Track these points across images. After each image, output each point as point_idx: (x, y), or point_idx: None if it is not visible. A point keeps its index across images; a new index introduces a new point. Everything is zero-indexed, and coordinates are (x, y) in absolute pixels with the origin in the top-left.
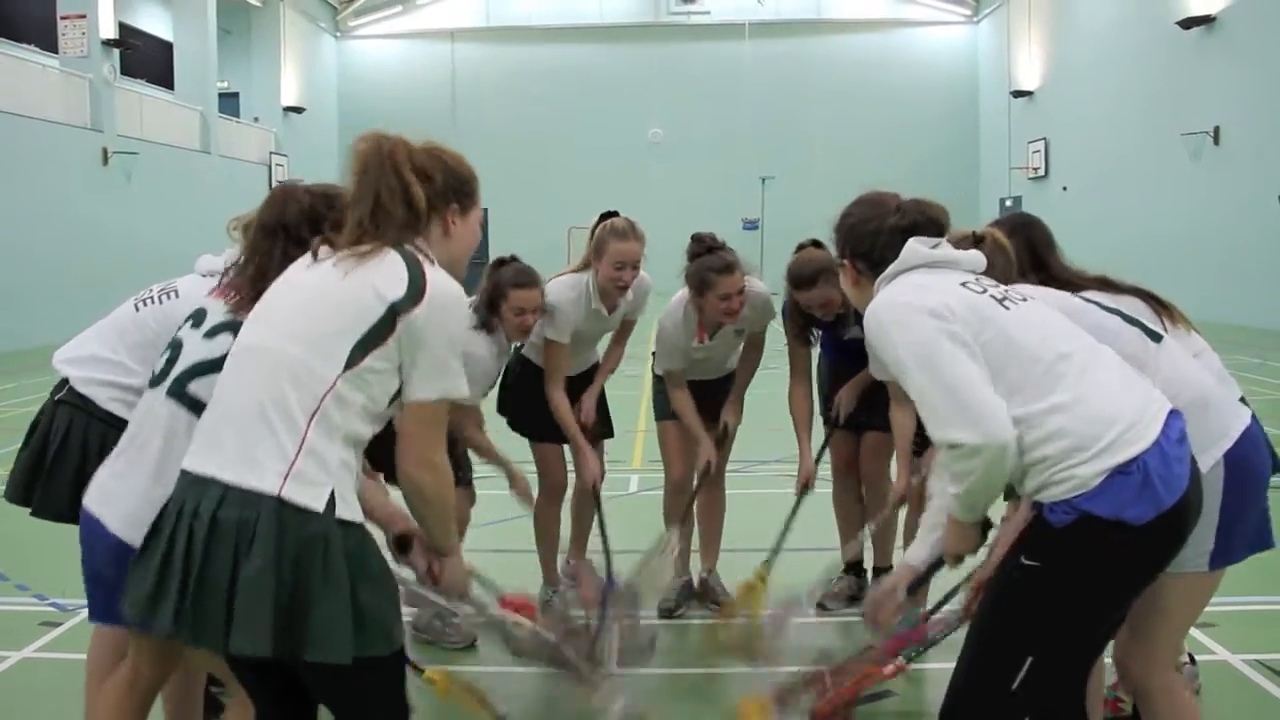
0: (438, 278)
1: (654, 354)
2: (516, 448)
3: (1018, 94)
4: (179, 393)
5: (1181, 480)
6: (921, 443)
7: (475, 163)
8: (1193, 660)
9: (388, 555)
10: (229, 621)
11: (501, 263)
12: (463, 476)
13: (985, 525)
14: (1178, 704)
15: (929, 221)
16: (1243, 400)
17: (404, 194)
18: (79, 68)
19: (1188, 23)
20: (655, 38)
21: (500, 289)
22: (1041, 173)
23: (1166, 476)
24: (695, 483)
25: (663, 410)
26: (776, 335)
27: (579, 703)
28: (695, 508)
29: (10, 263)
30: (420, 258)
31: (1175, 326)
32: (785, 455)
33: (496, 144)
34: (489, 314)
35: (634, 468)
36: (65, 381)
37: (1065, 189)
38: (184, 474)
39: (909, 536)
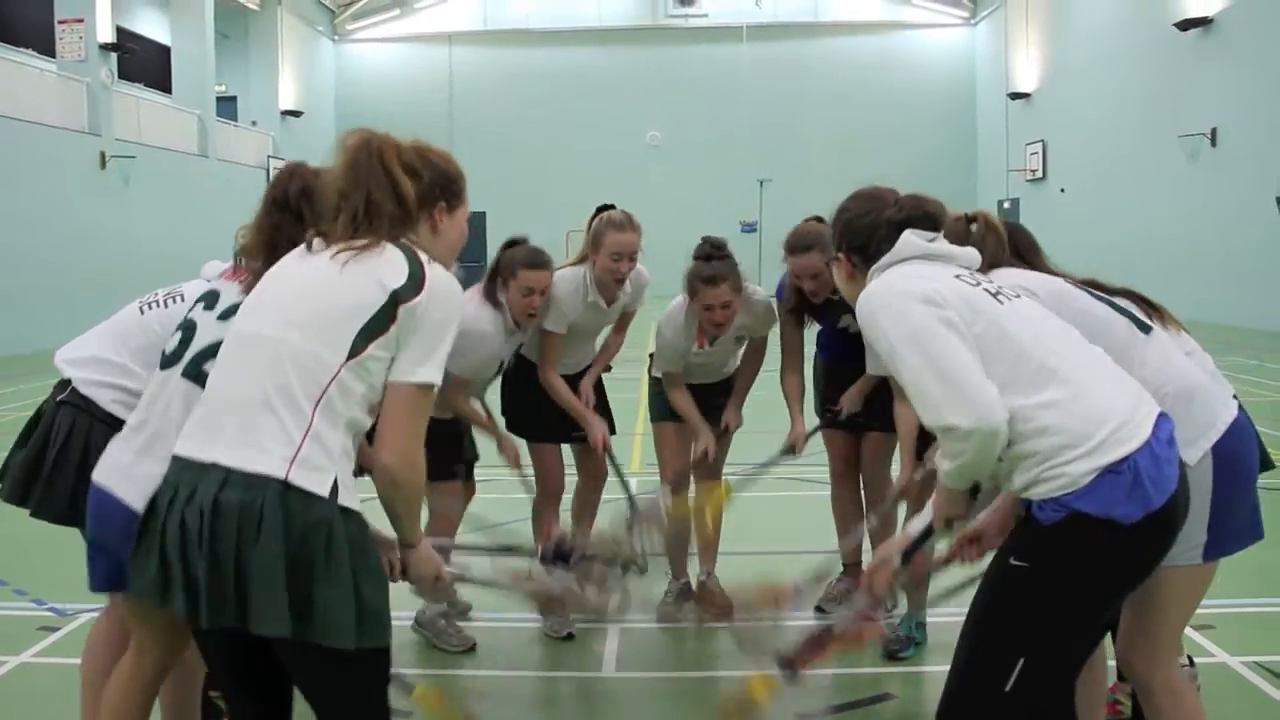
0: (437, 270)
1: (651, 355)
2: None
3: (1015, 96)
4: (195, 374)
5: (1171, 481)
6: (923, 442)
7: (473, 166)
8: (1191, 662)
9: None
10: (242, 603)
11: (513, 243)
12: (459, 470)
13: (974, 489)
14: (1181, 701)
15: (925, 216)
16: (1234, 397)
17: (393, 189)
18: (77, 72)
19: (1185, 24)
20: (653, 40)
21: (510, 268)
22: (1039, 174)
23: (1156, 477)
24: (693, 478)
25: (659, 412)
26: (778, 340)
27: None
28: (693, 510)
29: (8, 266)
30: (418, 251)
31: (1166, 327)
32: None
33: (494, 147)
34: (495, 290)
35: (632, 470)
36: (67, 382)
37: (1063, 191)
38: (177, 459)
39: None
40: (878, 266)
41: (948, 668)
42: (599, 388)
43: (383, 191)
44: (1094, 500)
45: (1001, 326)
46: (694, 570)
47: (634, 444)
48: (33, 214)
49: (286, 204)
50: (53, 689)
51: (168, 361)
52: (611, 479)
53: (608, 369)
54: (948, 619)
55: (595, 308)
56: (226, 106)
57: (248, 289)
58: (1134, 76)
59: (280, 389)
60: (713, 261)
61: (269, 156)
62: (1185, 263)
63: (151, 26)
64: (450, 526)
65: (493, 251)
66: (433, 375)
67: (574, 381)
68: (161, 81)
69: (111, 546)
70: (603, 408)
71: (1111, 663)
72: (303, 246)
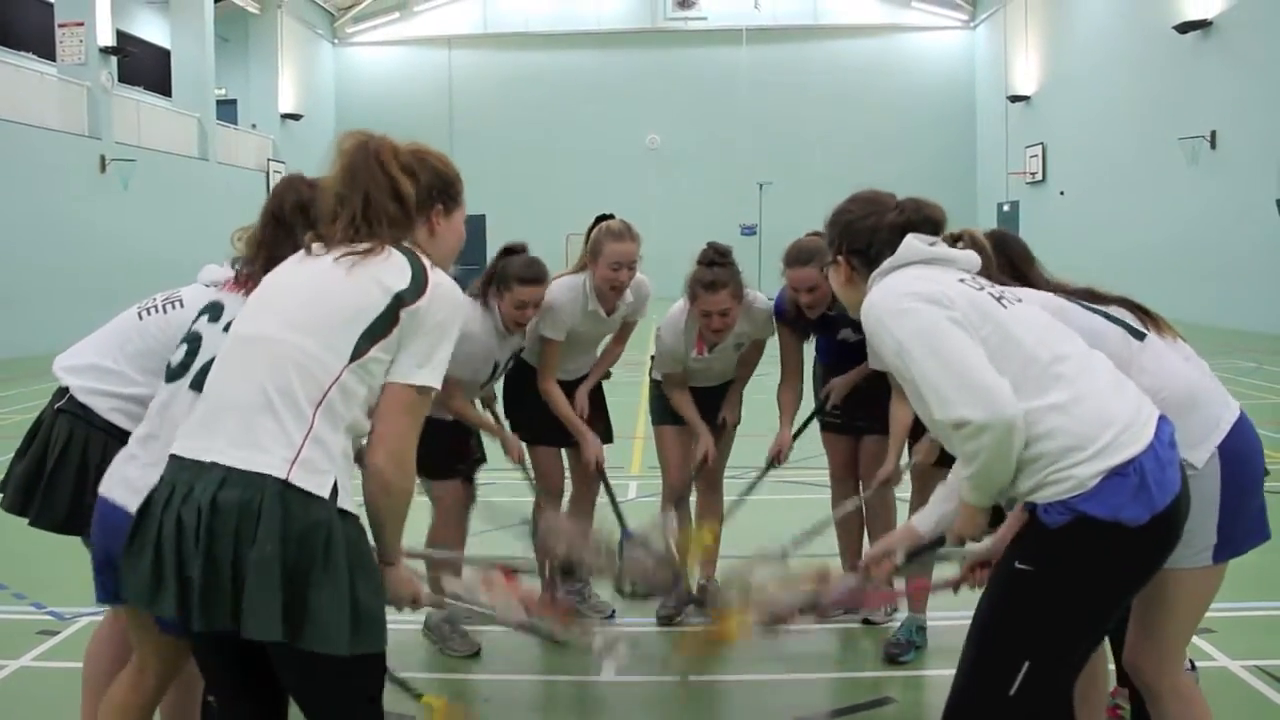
0: (439, 275)
1: (652, 358)
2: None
3: (1015, 99)
4: (203, 384)
5: (1174, 483)
6: (916, 438)
7: (472, 168)
8: (1193, 666)
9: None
10: (237, 604)
11: (511, 250)
12: (461, 470)
13: (996, 515)
14: (1191, 708)
15: (926, 220)
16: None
17: (392, 190)
18: (77, 75)
19: (1184, 27)
20: (652, 43)
21: (506, 279)
22: (1039, 177)
23: (1161, 479)
24: (693, 475)
25: (660, 415)
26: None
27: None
28: (694, 514)
29: (8, 270)
30: (420, 255)
31: (1162, 334)
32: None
33: (494, 150)
34: (487, 294)
35: (633, 474)
36: (65, 389)
37: (1062, 193)
38: (174, 459)
39: None
40: (879, 271)
41: (949, 672)
42: (598, 395)
43: (382, 192)
44: (1101, 503)
45: (1007, 330)
46: (692, 577)
47: (635, 448)
48: (32, 217)
49: (282, 218)
50: (52, 693)
51: (174, 374)
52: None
53: (607, 375)
54: (949, 622)
55: (595, 317)
56: (226, 110)
57: None
58: (1133, 79)
59: (281, 391)
60: (714, 268)
61: (269, 160)
62: (1185, 265)
63: (151, 30)
64: (457, 537)
65: (492, 254)
66: (431, 379)
67: (573, 388)
68: (161, 85)
69: (117, 559)
70: (600, 415)
71: (1111, 666)
72: (302, 251)
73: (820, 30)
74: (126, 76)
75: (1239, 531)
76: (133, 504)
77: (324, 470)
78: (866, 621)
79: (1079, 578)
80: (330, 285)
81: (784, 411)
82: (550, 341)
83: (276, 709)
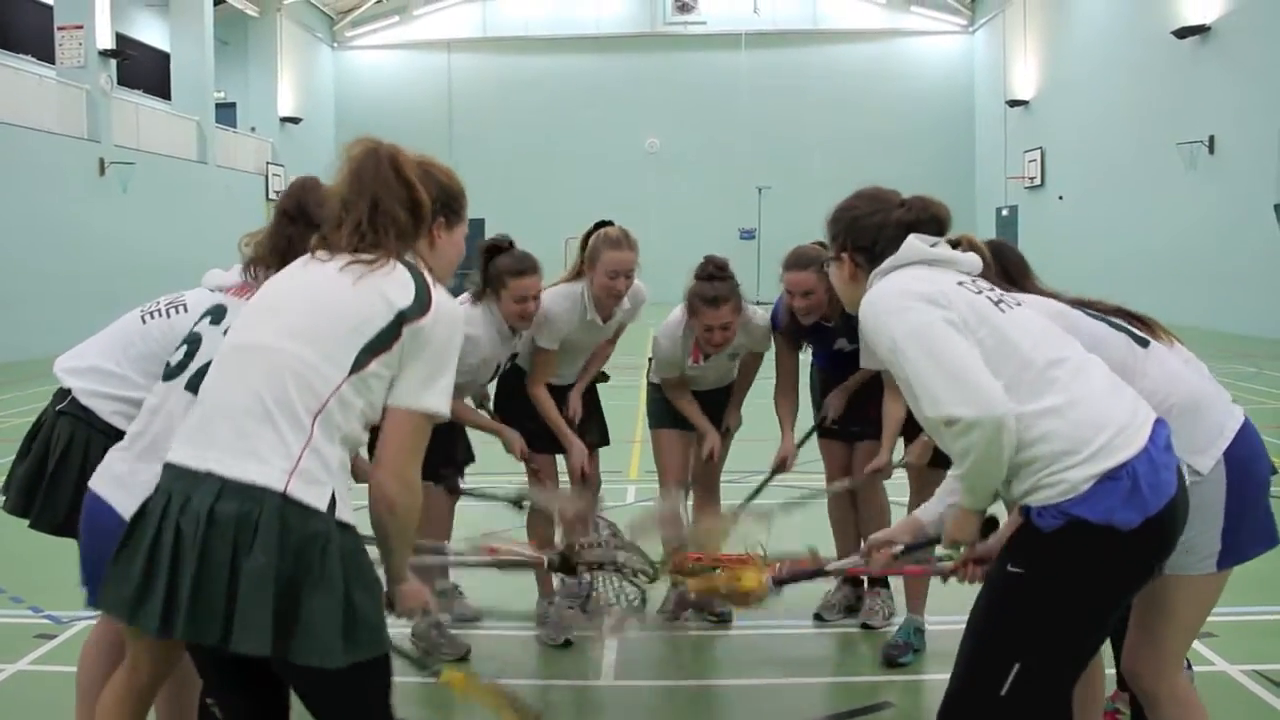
0: (442, 294)
1: (650, 361)
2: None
3: (1013, 103)
4: (198, 387)
5: (1169, 487)
6: (910, 437)
7: (471, 172)
8: (1189, 665)
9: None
10: (229, 618)
11: (496, 249)
12: (447, 474)
13: (990, 523)
14: (1190, 714)
15: (932, 219)
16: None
17: (408, 198)
18: (76, 78)
19: (1183, 32)
20: (652, 48)
21: (499, 278)
22: (1037, 182)
23: (1154, 483)
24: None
25: (658, 418)
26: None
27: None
28: (693, 518)
29: (6, 272)
30: (423, 271)
31: (1160, 339)
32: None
33: (493, 153)
34: (485, 298)
35: (630, 478)
36: (67, 391)
37: (1061, 198)
38: (170, 466)
39: None
40: (879, 270)
41: (947, 676)
42: (593, 399)
43: (393, 199)
44: (1093, 506)
45: (1003, 334)
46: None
47: (633, 452)
48: (31, 220)
49: (298, 215)
50: (49, 697)
51: (171, 373)
52: (607, 488)
53: (605, 379)
54: (947, 625)
55: (593, 325)
56: (226, 113)
57: None
58: (1132, 84)
59: (280, 400)
60: (715, 282)
61: (268, 163)
62: (1183, 270)
63: (151, 33)
64: (442, 530)
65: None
66: (438, 404)
67: (565, 393)
68: (161, 88)
69: (105, 558)
70: (596, 418)
71: (1110, 671)
72: (306, 255)
73: (819, 35)
74: (126, 79)
75: (1244, 538)
76: (118, 499)
77: (322, 482)
78: (865, 626)
79: (1072, 581)
80: (334, 295)
81: (784, 421)
82: (544, 351)
83: (277, 703)
